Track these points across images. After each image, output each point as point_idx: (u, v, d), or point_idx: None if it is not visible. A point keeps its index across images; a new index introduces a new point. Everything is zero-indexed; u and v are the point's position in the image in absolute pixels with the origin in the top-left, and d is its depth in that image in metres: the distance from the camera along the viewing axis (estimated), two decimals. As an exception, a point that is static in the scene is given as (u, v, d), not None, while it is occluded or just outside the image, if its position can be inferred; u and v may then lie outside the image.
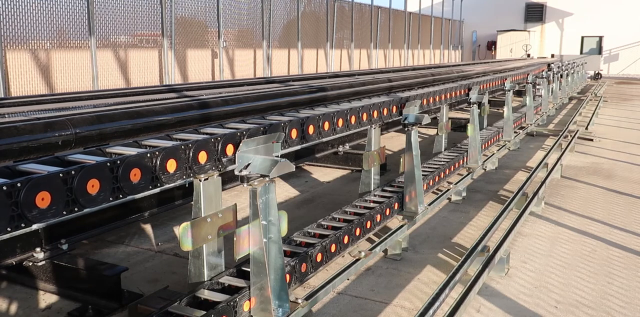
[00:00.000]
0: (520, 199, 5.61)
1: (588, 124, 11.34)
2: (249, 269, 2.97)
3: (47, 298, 3.66)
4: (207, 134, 3.15)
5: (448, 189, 5.73)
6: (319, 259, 3.57)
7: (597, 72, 27.78)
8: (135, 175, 2.43)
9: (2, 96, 7.90)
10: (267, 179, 2.80)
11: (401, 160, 4.84)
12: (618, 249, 4.64)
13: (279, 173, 2.75)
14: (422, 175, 5.07)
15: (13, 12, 8.27)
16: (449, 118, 7.15)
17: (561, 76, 15.13)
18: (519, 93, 13.54)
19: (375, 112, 4.48)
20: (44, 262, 3.72)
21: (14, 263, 3.75)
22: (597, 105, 14.83)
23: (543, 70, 13.28)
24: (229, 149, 2.91)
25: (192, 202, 2.94)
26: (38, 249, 3.74)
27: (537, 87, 12.01)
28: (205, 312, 2.76)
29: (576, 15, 30.56)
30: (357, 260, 3.87)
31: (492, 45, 31.59)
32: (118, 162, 2.36)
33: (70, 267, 3.68)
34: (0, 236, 2.01)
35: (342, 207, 4.44)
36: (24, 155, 2.50)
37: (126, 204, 4.63)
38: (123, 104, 3.97)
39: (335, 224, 4.09)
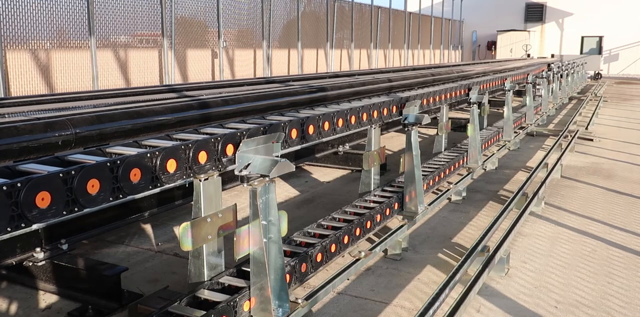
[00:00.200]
0: (520, 199, 5.61)
1: (588, 124, 11.34)
2: (249, 269, 2.97)
3: (47, 298, 3.66)
4: (207, 134, 3.15)
5: (448, 189, 5.73)
6: (319, 259, 3.57)
7: (597, 72, 27.78)
8: (135, 175, 2.43)
9: (2, 96, 7.90)
10: (267, 179, 2.80)
11: (401, 160, 4.84)
12: (618, 249, 4.64)
13: (279, 173, 2.75)
14: (422, 175, 5.07)
15: (13, 12, 8.27)
16: (449, 118, 7.15)
17: (561, 76, 15.13)
18: (519, 93, 13.54)
19: (375, 112, 4.48)
20: (44, 262, 3.72)
21: (14, 263, 3.75)
22: (597, 105, 14.83)
23: (543, 70, 13.28)
24: (229, 149, 2.91)
25: (192, 202, 2.94)
26: (38, 249, 3.74)
27: (537, 87, 12.01)
28: (205, 312, 2.76)
29: (576, 15, 30.56)
30: (357, 260, 3.87)
31: (492, 45, 31.60)
32: (118, 162, 2.36)
33: (70, 267, 3.68)
34: (0, 236, 2.01)
35: (342, 207, 4.44)
36: (24, 156, 2.50)
37: (126, 204, 4.63)
38: (123, 104, 3.97)
39: (335, 224, 4.09)
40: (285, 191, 6.42)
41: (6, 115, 3.24)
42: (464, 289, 3.51)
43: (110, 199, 2.34)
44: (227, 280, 3.11)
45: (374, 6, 20.32)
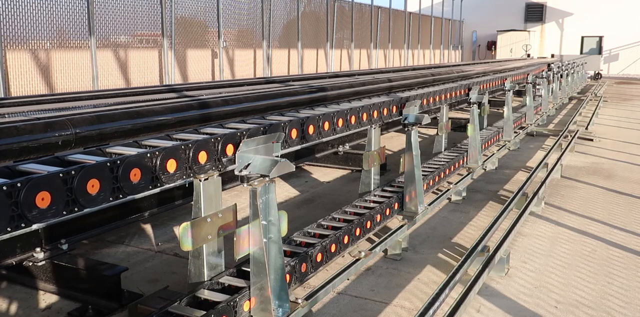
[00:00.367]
0: (520, 199, 5.61)
1: (588, 124, 11.34)
2: (249, 269, 2.97)
3: (47, 298, 3.66)
4: (207, 134, 3.15)
5: (448, 189, 5.73)
6: (319, 259, 3.57)
7: (597, 72, 27.78)
8: (135, 175, 2.43)
9: (2, 96, 7.90)
10: (267, 179, 2.80)
11: (401, 160, 4.84)
12: (618, 249, 4.64)
13: (279, 173, 2.75)
14: (422, 175, 5.07)
15: (13, 12, 8.27)
16: (449, 118, 7.15)
17: (561, 76, 15.13)
18: (519, 93, 13.54)
19: (375, 112, 4.48)
20: (44, 262, 3.72)
21: (14, 263, 3.75)
22: (597, 105, 14.83)
23: (543, 70, 13.28)
24: (229, 149, 2.91)
25: (192, 202, 2.94)
26: (38, 249, 3.74)
27: (537, 87, 12.01)
28: (205, 312, 2.76)
29: (576, 15, 30.56)
30: (357, 260, 3.87)
31: (492, 45, 31.60)
32: (118, 162, 2.36)
33: (70, 267, 3.68)
34: (0, 236, 2.01)
35: (342, 207, 4.43)
36: (24, 156, 2.50)
37: (126, 204, 4.63)
38: (123, 104, 3.97)
39: (335, 224, 4.09)
40: (285, 191, 6.42)
41: (6, 115, 3.24)
42: (464, 289, 3.51)
43: (110, 199, 2.34)
44: (227, 280, 3.11)
45: (374, 6, 20.32)
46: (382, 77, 7.05)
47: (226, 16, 12.84)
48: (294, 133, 3.50)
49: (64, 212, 2.15)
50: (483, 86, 7.69)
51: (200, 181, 2.89)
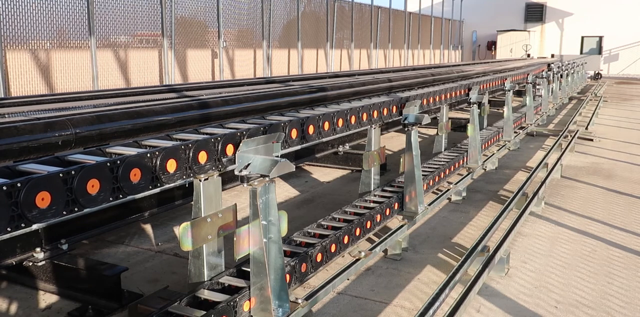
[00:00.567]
0: (520, 199, 5.61)
1: (588, 124, 11.34)
2: (249, 269, 2.97)
3: (47, 298, 3.66)
4: (207, 134, 3.15)
5: (448, 189, 5.73)
6: (319, 259, 3.57)
7: (597, 72, 27.79)
8: (135, 175, 2.43)
9: (2, 96, 7.90)
10: (267, 179, 2.80)
11: (401, 160, 4.84)
12: (618, 249, 4.64)
13: (279, 173, 2.75)
14: (422, 175, 5.07)
15: (13, 12, 8.27)
16: (449, 118, 7.15)
17: (561, 76, 15.13)
18: (519, 93, 13.54)
19: (375, 112, 4.48)
20: (44, 262, 3.72)
21: (14, 263, 3.75)
22: (597, 105, 14.83)
23: (543, 70, 13.28)
24: (229, 149, 2.91)
25: (192, 202, 2.94)
26: (38, 249, 3.74)
27: (537, 87, 12.01)
28: (205, 312, 2.76)
29: (576, 15, 30.56)
30: (357, 260, 3.87)
31: (492, 45, 31.60)
32: (118, 162, 2.36)
33: (70, 267, 3.68)
34: (0, 236, 2.01)
35: (342, 207, 4.43)
36: (24, 156, 2.50)
37: (126, 204, 4.63)
38: (123, 104, 3.97)
39: (335, 224, 4.09)
40: (285, 191, 6.42)
41: (6, 115, 3.24)
42: (464, 289, 3.51)
43: (110, 199, 2.34)
44: (227, 280, 3.11)
45: (374, 6, 20.31)
46: (382, 77, 7.05)
47: (226, 16, 12.85)
48: (294, 133, 3.50)
49: (64, 212, 2.15)
50: (483, 86, 7.69)
51: (200, 181, 2.89)
